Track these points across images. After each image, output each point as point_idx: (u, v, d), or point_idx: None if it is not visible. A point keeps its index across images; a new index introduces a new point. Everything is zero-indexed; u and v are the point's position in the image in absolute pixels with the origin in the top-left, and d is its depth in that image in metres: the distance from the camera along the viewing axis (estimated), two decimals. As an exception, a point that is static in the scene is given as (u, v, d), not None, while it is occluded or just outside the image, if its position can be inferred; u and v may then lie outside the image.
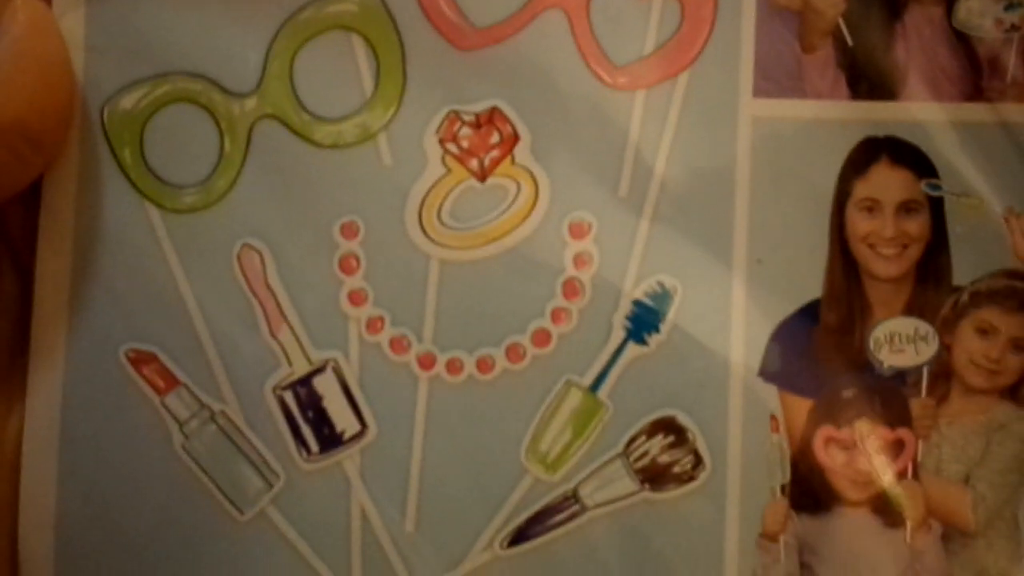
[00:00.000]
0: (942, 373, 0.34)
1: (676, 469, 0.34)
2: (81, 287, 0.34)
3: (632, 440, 0.34)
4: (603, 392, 0.34)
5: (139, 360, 0.34)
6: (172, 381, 0.34)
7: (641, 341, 0.34)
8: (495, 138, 0.34)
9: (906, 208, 0.34)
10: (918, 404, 0.34)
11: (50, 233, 0.34)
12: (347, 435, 0.34)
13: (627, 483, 0.34)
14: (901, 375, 0.34)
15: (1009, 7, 0.34)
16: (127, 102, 0.34)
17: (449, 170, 0.34)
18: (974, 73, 0.34)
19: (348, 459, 0.34)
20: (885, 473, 0.34)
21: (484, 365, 0.34)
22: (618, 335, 0.34)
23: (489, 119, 0.34)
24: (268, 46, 0.34)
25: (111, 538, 0.34)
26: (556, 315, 0.34)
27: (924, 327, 0.34)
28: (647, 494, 0.34)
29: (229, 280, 0.34)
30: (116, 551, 0.34)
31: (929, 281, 0.34)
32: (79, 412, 0.34)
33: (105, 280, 0.34)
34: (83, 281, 0.34)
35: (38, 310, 0.34)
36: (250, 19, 0.34)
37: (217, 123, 0.34)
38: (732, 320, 0.34)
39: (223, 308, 0.34)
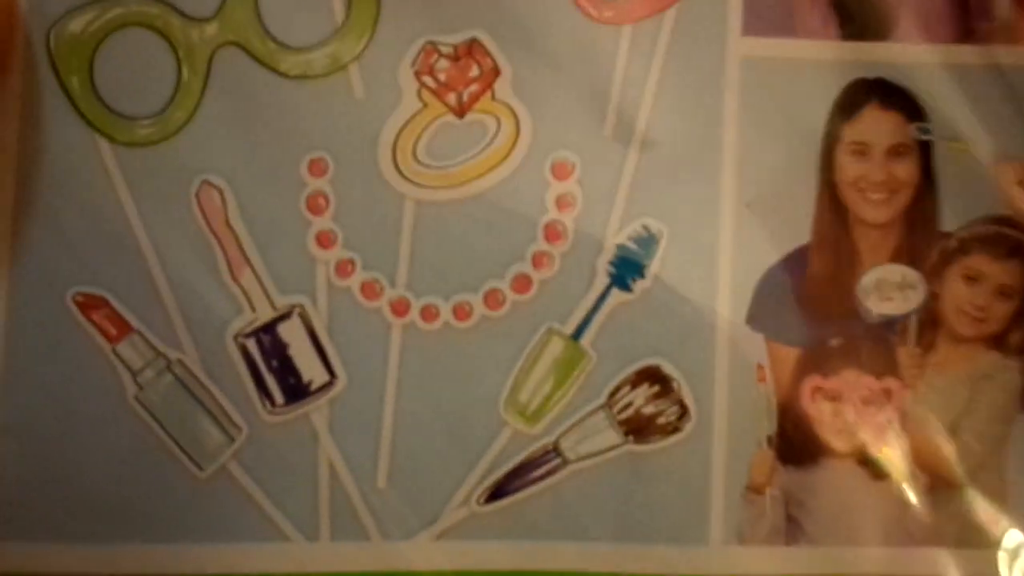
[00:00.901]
0: (929, 321, 0.33)
1: (661, 420, 0.33)
2: (24, 225, 0.31)
3: (616, 390, 0.33)
4: (586, 340, 0.32)
5: (88, 305, 0.32)
6: (124, 327, 0.32)
7: (625, 287, 0.33)
8: (474, 71, 0.32)
9: (896, 152, 0.33)
10: (905, 353, 0.33)
11: (-11, 166, 0.31)
12: (314, 385, 0.32)
13: (610, 435, 0.32)
14: (889, 323, 0.33)
15: (1000, -52, 0.33)
16: (75, 25, 0.32)
17: (425, 105, 0.32)
18: (965, 14, 0.33)
19: (316, 411, 0.32)
20: (871, 424, 0.33)
21: (461, 312, 0.32)
22: (601, 280, 0.33)
23: (468, 51, 0.32)
24: (231, -33, 0.32)
25: (56, 496, 0.31)
26: (537, 259, 0.32)
27: (912, 274, 0.33)
28: (631, 446, 0.32)
29: (187, 219, 0.32)
30: (61, 510, 0.31)
31: (917, 227, 0.33)
32: (21, 360, 0.31)
33: (51, 218, 0.32)
34: (27, 219, 0.31)
35: (-24, 250, 0.31)
36: (210, -63, 0.32)
37: (174, 49, 0.32)
38: (719, 266, 0.33)
39: (180, 249, 0.32)
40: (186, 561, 0.32)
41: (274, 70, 0.32)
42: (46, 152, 0.32)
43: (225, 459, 0.32)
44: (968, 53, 0.33)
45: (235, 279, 0.32)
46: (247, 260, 0.32)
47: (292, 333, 0.32)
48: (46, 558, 0.31)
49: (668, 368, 0.32)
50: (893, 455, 0.33)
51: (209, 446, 0.32)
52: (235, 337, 0.32)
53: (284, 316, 0.32)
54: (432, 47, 0.32)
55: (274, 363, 0.32)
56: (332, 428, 0.32)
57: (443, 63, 0.32)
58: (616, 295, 0.33)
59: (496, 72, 0.32)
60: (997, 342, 0.33)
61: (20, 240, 0.31)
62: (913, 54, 0.33)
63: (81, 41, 0.32)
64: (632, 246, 0.33)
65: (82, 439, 0.31)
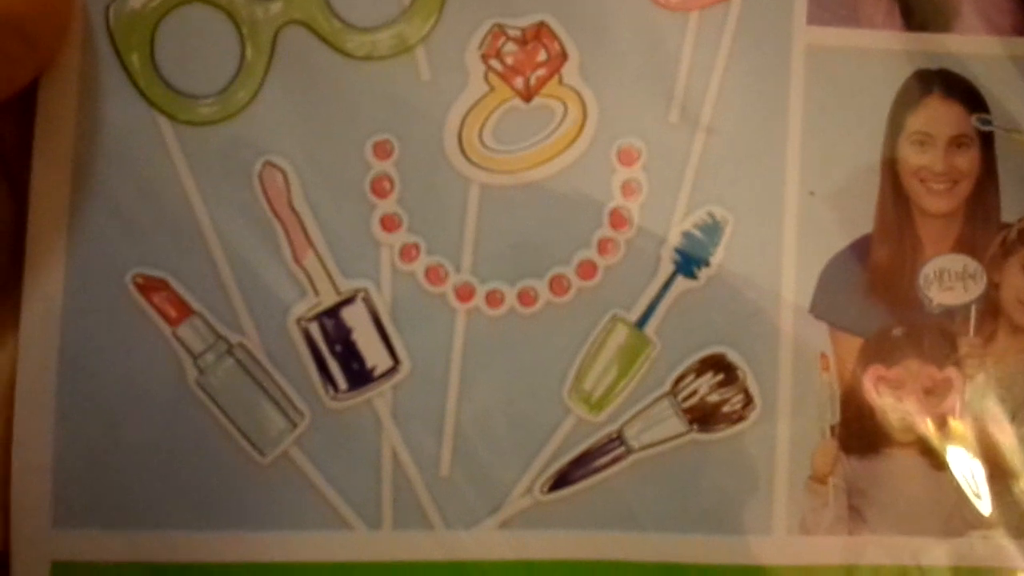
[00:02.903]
0: (989, 311, 0.33)
1: (725, 409, 0.32)
2: (82, 206, 0.31)
3: (680, 378, 0.32)
4: (650, 328, 0.32)
5: (148, 287, 0.31)
6: (185, 310, 0.31)
7: (690, 274, 0.32)
8: (542, 56, 0.32)
9: (957, 143, 0.33)
10: (966, 343, 0.33)
11: (47, 145, 0.31)
12: (378, 371, 0.31)
13: (675, 423, 0.32)
14: (949, 313, 0.33)
15: (1062, -59, 0.33)
16: (136, 1, 0.31)
17: (492, 88, 0.32)
18: (1028, 6, 0.33)
19: (379, 397, 0.32)
20: (933, 414, 0.33)
21: (526, 298, 0.32)
22: (667, 268, 0.32)
23: (536, 35, 0.32)
24: (296, -54, 0.31)
25: (115, 483, 0.31)
26: (603, 246, 0.32)
27: (973, 264, 0.33)
28: (695, 435, 0.32)
29: (249, 200, 0.31)
30: (120, 498, 0.31)
31: (978, 218, 0.33)
32: (80, 344, 0.31)
33: (110, 198, 0.31)
34: (85, 199, 0.31)
35: (33, 230, 0.30)
36: (276, -85, 0.31)
37: (238, 27, 0.31)
38: (783, 254, 0.33)
39: (242, 231, 0.31)
40: (246, 549, 0.31)
41: (339, 50, 0.31)
42: (105, 131, 0.31)
43: (287, 445, 0.31)
44: (1031, 45, 0.33)
45: (298, 262, 0.31)
46: (310, 243, 0.31)
47: (356, 318, 0.31)
48: (105, 545, 0.30)
49: (733, 356, 0.32)
50: (954, 445, 0.33)
51: (271, 432, 0.31)
52: (298, 321, 0.31)
53: (348, 300, 0.31)
54: (500, 30, 0.32)
55: (337, 348, 0.31)
56: (395, 415, 0.32)
57: (511, 46, 0.32)
58: (681, 282, 0.32)
59: (564, 57, 0.32)
60: (1056, 333, 0.33)
61: (78, 221, 0.31)
62: (975, 45, 0.33)
63: (142, 17, 0.31)
64: (697, 233, 0.32)
65: (141, 424, 0.31)
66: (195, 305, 0.31)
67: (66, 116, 0.31)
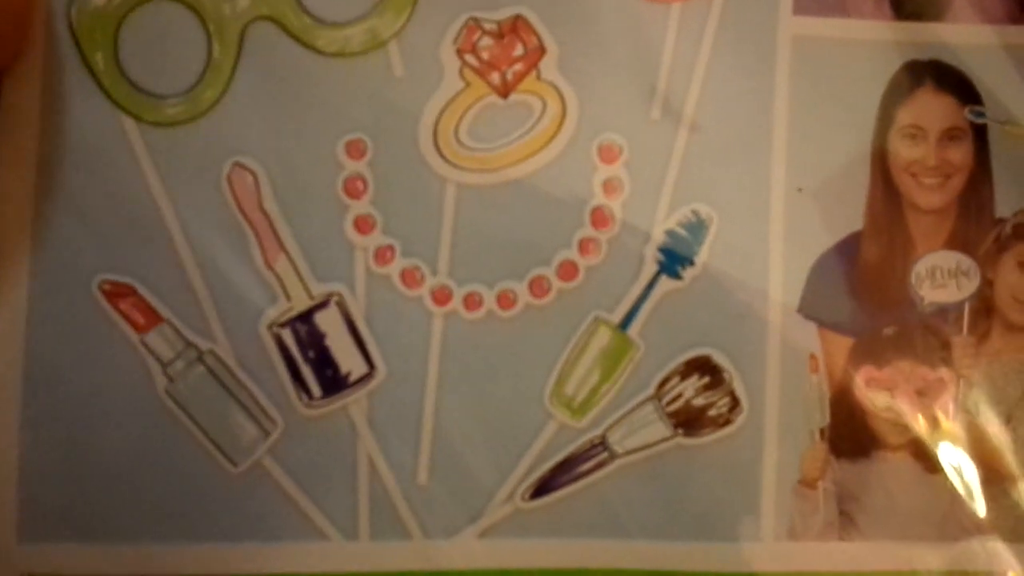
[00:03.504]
0: (983, 309, 0.32)
1: (712, 412, 0.31)
2: (47, 209, 0.30)
3: (664, 381, 0.31)
4: (633, 330, 0.31)
5: (115, 293, 0.30)
6: (153, 317, 0.30)
7: (674, 274, 0.31)
8: (519, 50, 0.31)
9: (949, 136, 0.32)
10: (959, 342, 0.32)
11: (10, 147, 0.30)
12: (353, 377, 0.31)
13: (659, 428, 0.31)
14: (942, 311, 0.32)
15: (1057, -74, 0.32)
16: (99, -1, 0.30)
17: (468, 84, 0.31)
18: (1022, -6, 0.32)
19: (354, 404, 0.31)
20: (926, 415, 0.32)
21: (505, 300, 0.31)
22: (650, 268, 0.31)
23: (512, 28, 0.31)
24: (264, -61, 0.30)
25: (84, 496, 0.30)
26: (584, 246, 0.31)
27: (966, 261, 0.32)
28: (680, 439, 0.31)
29: (218, 202, 0.30)
30: (89, 510, 0.30)
31: (971, 213, 0.32)
32: (45, 352, 0.30)
33: (75, 201, 0.30)
34: (49, 203, 0.30)
35: (-5, 234, 0.30)
36: (243, -93, 0.30)
37: (204, 24, 0.30)
38: (770, 252, 0.32)
39: (211, 234, 0.30)
40: (219, 561, 0.30)
41: (310, 46, 0.30)
42: (69, 132, 0.30)
43: (260, 454, 0.30)
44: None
45: (269, 266, 0.30)
46: (282, 246, 0.30)
47: (329, 323, 0.31)
48: (75, 559, 0.30)
49: (719, 358, 0.31)
50: (947, 447, 0.32)
51: (243, 441, 0.30)
52: (270, 327, 0.30)
53: (321, 305, 0.31)
54: (475, 23, 0.31)
55: (310, 354, 0.31)
56: (371, 422, 0.31)
57: (486, 40, 0.31)
58: (665, 283, 0.31)
59: (541, 51, 0.31)
60: (1052, 331, 0.32)
61: (42, 225, 0.30)
62: (967, 35, 0.32)
63: (105, 15, 0.30)
64: (681, 232, 0.31)
65: (110, 434, 0.30)
66: (164, 312, 0.30)
67: (29, 118, 0.30)
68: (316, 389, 0.31)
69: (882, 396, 0.32)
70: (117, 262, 0.30)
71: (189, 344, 0.30)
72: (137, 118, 0.30)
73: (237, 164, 0.30)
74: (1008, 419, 0.32)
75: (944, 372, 0.32)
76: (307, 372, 0.31)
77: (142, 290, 0.30)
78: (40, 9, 0.30)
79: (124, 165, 0.30)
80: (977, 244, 0.32)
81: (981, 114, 0.32)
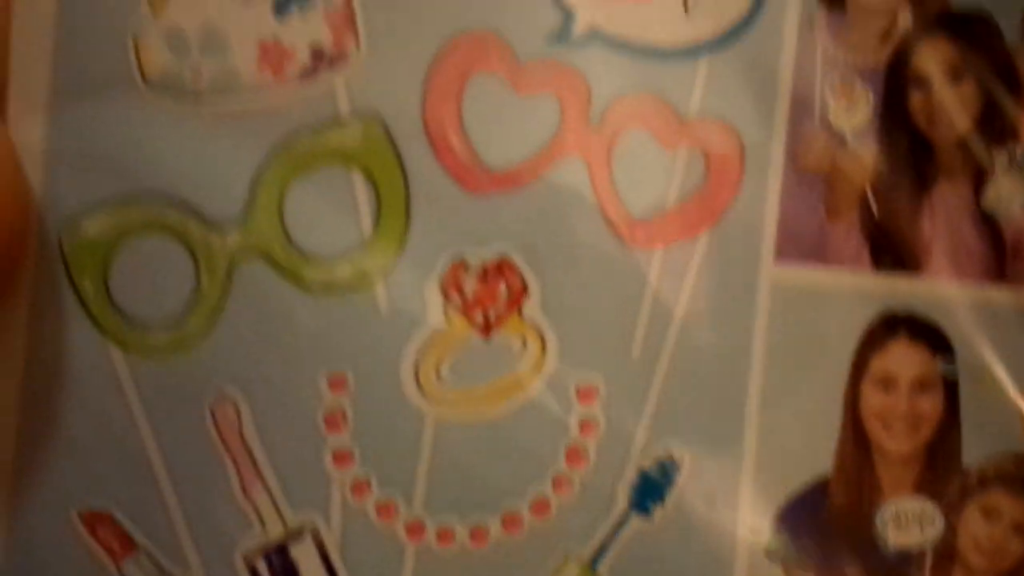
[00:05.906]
0: (947, 554, 0.33)
1: (677, 652, 0.32)
2: (31, 436, 0.30)
3: (631, 619, 0.32)
4: (603, 567, 0.32)
5: (93, 521, 0.30)
6: (129, 545, 0.31)
7: (645, 511, 0.32)
8: (502, 290, 0.31)
9: (921, 384, 0.33)
10: (921, 587, 0.33)
11: (-5, 374, 0.30)
12: (325, 609, 0.31)
13: (624, 665, 0.32)
14: (905, 556, 0.33)
15: (1038, 191, 0.33)
16: (91, 227, 0.30)
17: (451, 323, 0.31)
18: (998, 255, 0.33)
19: (325, 636, 0.31)
20: (885, 658, 0.33)
21: (478, 535, 0.32)
22: (621, 505, 0.32)
23: (497, 270, 0.31)
24: (257, 174, 0.31)
25: None
26: (557, 483, 0.32)
27: (930, 507, 0.33)
28: (645, 677, 0.32)
29: (200, 433, 0.31)
30: None
31: (939, 460, 0.33)
32: (21, 578, 0.30)
33: (59, 429, 0.30)
34: (32, 429, 0.30)
35: (-23, 460, 0.30)
36: (237, 141, 0.31)
37: (194, 256, 0.31)
38: (740, 494, 0.32)
39: (191, 464, 0.31)
40: None
41: (297, 283, 0.31)
42: (54, 359, 0.30)
43: None
44: (999, 293, 0.33)
45: (247, 494, 0.31)
46: (259, 475, 0.31)
47: (304, 555, 0.31)
48: None
49: (686, 599, 0.32)
50: None
51: (214, 670, 0.31)
52: (244, 556, 0.31)
53: (296, 536, 0.31)
54: (460, 265, 0.31)
55: (284, 584, 0.31)
56: (341, 654, 0.31)
57: (471, 281, 0.31)
58: (635, 521, 0.32)
59: (524, 291, 0.31)
60: (1011, 578, 0.33)
61: (24, 451, 0.30)
62: (944, 289, 0.33)
63: (96, 244, 0.30)
64: (654, 471, 0.32)
65: (82, 661, 0.30)
66: (139, 539, 0.31)
67: (15, 342, 0.30)
68: (288, 620, 0.31)
69: (843, 639, 0.33)
70: (98, 488, 0.30)
71: (164, 572, 0.31)
72: (124, 348, 0.30)
73: (221, 395, 0.31)
74: (965, 665, 0.33)
75: (905, 616, 0.33)
76: (280, 602, 0.31)
77: (119, 516, 0.30)
78: (32, 233, 0.30)
79: (110, 393, 0.30)
80: (943, 491, 0.33)
81: (953, 372, 0.33)
